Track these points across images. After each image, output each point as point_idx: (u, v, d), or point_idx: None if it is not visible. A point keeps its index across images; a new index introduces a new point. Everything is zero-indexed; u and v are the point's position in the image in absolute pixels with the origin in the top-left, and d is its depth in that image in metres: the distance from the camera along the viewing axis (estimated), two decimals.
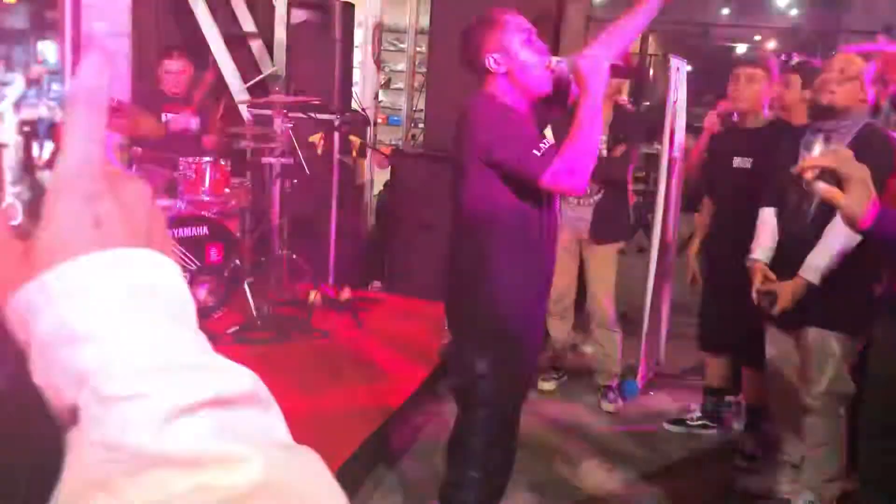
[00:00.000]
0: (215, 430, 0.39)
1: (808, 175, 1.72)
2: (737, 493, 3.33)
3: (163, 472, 0.37)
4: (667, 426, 3.86)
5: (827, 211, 2.75)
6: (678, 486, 3.37)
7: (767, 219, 3.08)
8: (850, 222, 1.73)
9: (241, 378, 0.42)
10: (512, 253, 2.24)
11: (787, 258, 2.94)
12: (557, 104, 2.30)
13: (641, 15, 2.31)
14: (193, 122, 4.69)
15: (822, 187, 1.71)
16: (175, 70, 4.57)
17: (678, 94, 4.07)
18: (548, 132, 2.34)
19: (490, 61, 2.16)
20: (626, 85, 3.96)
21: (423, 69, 5.59)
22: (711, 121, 3.97)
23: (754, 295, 2.99)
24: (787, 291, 2.83)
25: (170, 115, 4.58)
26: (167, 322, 0.42)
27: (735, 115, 3.68)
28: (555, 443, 3.57)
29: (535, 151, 2.06)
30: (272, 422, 0.44)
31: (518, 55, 2.15)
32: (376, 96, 5.90)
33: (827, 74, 2.76)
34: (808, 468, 2.99)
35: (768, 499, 3.20)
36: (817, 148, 1.84)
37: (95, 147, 0.44)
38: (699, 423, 3.83)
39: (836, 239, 2.70)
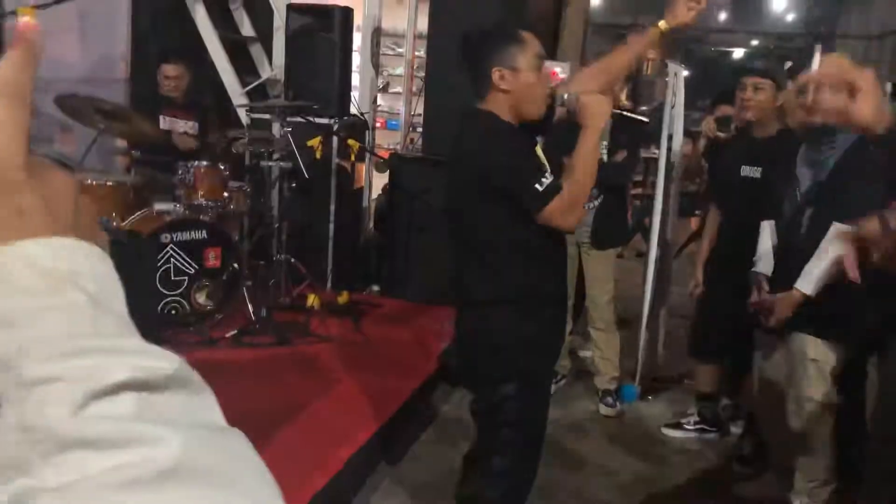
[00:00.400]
0: (134, 412, 0.40)
1: (810, 95, 1.66)
2: (734, 498, 3.34)
3: (79, 454, 0.38)
4: (665, 430, 3.87)
5: (821, 221, 2.76)
6: (676, 490, 3.37)
7: (767, 230, 3.10)
8: (866, 129, 1.66)
9: (163, 361, 0.43)
10: (524, 271, 2.21)
11: (783, 268, 2.96)
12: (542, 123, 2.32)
13: (631, 52, 2.41)
14: (192, 128, 4.71)
15: (828, 100, 1.64)
16: (173, 75, 4.60)
17: (676, 99, 4.08)
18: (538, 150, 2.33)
19: (496, 76, 2.14)
20: (625, 89, 3.95)
21: (422, 73, 5.60)
22: (709, 126, 3.98)
23: (750, 306, 3.02)
24: (783, 304, 2.84)
25: (168, 120, 4.60)
26: (89, 307, 0.43)
27: (734, 121, 3.69)
28: (553, 447, 3.57)
29: (536, 186, 2.06)
30: (200, 405, 0.44)
31: (526, 78, 2.15)
32: (375, 100, 5.91)
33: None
34: (798, 473, 3.00)
35: (765, 503, 3.21)
36: (816, 60, 1.83)
37: (17, 139, 0.46)
38: (697, 427, 3.83)
39: (832, 250, 2.70)
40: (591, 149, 2.13)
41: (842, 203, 2.72)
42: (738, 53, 19.14)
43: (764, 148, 3.34)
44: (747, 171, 3.43)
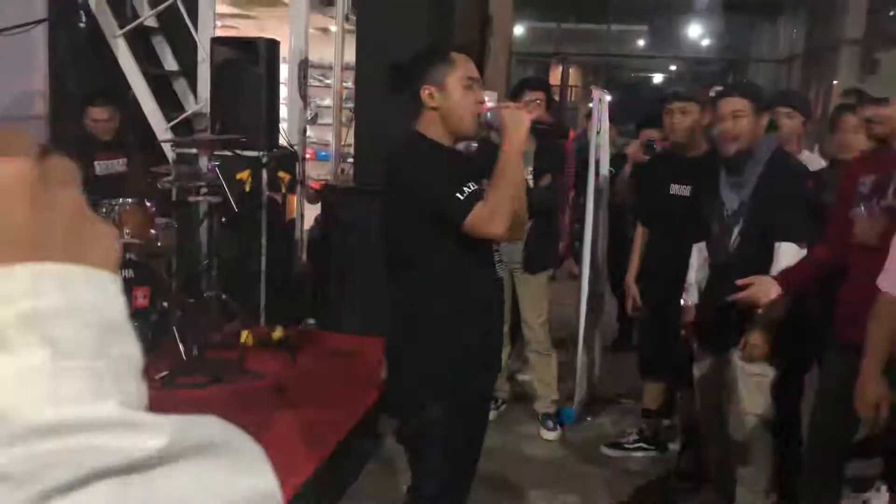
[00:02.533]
0: None
1: None
2: None
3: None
4: (605, 450, 3.90)
5: (749, 238, 2.87)
6: None
7: (696, 256, 3.20)
8: None
9: (147, 437, 0.34)
10: (452, 290, 2.20)
11: (713, 286, 3.04)
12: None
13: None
14: (121, 164, 4.60)
15: None
16: (102, 118, 4.47)
17: (601, 124, 4.18)
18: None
19: (425, 93, 2.17)
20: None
21: (351, 104, 5.60)
22: (634, 150, 4.09)
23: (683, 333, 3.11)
24: (758, 338, 2.84)
25: (104, 163, 4.46)
26: (48, 366, 0.34)
27: (658, 143, 3.81)
28: (496, 473, 3.56)
29: (458, 195, 2.06)
30: (225, 471, 0.36)
31: (453, 97, 2.17)
32: (304, 132, 5.87)
33: (722, 125, 2.88)
34: (739, 486, 3.06)
35: None
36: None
37: None
38: (636, 445, 3.88)
39: (781, 263, 2.80)
40: (512, 160, 2.13)
41: (767, 219, 2.83)
42: (657, 78, 19.77)
43: (693, 167, 3.45)
44: (676, 189, 3.54)
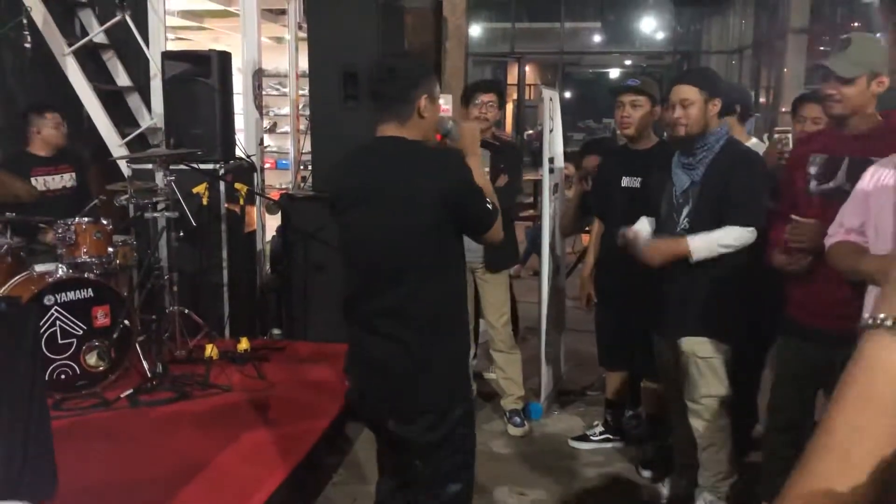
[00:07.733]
0: None
1: None
2: (643, 502, 3.45)
3: None
4: (572, 443, 3.96)
5: (699, 216, 2.93)
6: (588, 501, 3.45)
7: (646, 221, 3.23)
8: None
9: None
10: (449, 292, 2.28)
11: (659, 268, 3.10)
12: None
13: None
14: (70, 180, 4.56)
15: None
16: (53, 124, 4.46)
17: (553, 123, 4.23)
18: None
19: (422, 102, 2.21)
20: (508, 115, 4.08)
21: (308, 112, 5.59)
22: (578, 181, 4.17)
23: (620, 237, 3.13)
24: (668, 247, 2.93)
25: (41, 179, 4.42)
26: None
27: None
28: None
29: (487, 205, 2.21)
30: None
31: (437, 107, 2.30)
32: (261, 142, 5.86)
33: (672, 113, 2.95)
34: (702, 469, 3.13)
35: (673, 503, 3.33)
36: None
37: None
38: (602, 437, 3.94)
39: (725, 237, 2.87)
40: (480, 173, 2.29)
41: (717, 202, 2.89)
42: (613, 73, 19.98)
43: (643, 159, 3.50)
44: (627, 181, 3.59)
